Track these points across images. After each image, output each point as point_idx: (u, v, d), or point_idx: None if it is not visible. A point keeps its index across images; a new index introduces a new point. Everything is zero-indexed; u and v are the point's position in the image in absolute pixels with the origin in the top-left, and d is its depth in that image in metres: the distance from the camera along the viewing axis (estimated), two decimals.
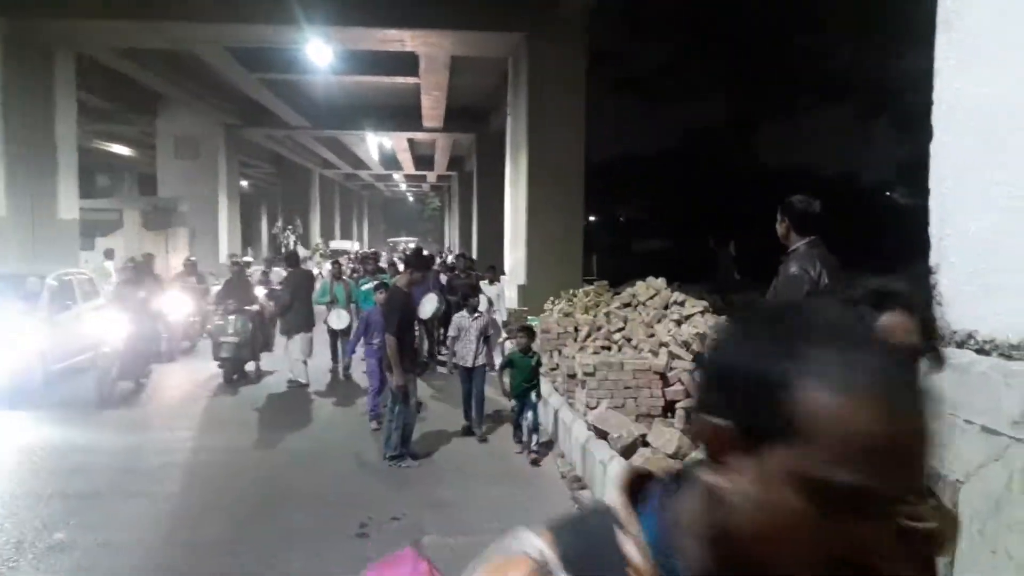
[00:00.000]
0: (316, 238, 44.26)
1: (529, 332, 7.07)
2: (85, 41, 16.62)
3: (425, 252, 10.20)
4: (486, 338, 7.74)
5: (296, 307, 10.05)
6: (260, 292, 11.46)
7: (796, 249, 3.74)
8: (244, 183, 39.36)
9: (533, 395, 6.80)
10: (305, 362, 10.08)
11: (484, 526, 5.03)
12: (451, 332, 7.69)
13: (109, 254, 19.79)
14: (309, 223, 44.83)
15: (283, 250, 34.32)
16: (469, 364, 7.48)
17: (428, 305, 9.39)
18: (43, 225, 15.66)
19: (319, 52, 17.05)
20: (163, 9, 14.75)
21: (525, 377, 6.81)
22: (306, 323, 10.10)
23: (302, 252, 36.75)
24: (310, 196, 46.05)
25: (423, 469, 6.41)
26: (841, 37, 35.56)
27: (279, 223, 39.40)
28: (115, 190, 35.96)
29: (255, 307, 10.49)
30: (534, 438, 6.73)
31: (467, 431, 7.48)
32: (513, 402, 7.01)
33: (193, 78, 22.39)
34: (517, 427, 6.99)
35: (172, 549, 4.82)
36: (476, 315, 7.62)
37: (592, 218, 32.30)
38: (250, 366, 10.46)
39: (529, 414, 6.77)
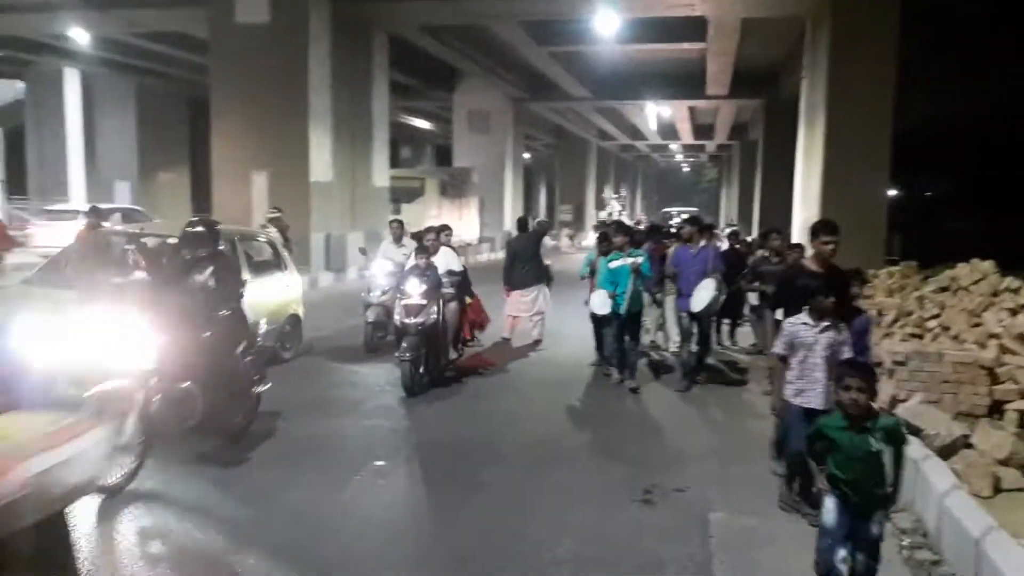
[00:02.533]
0: (591, 209, 45.16)
1: (868, 375, 3.44)
2: (394, 20, 18.32)
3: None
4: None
5: (518, 266, 10.03)
6: (414, 288, 7.38)
7: None
8: (526, 155, 41.30)
9: (874, 529, 3.32)
10: (541, 317, 10.01)
11: (775, 511, 4.73)
12: (778, 348, 4.52)
13: None
14: (585, 193, 45.76)
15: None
16: (820, 405, 4.27)
17: (703, 293, 7.39)
18: (360, 191, 17.77)
19: (607, 21, 17.15)
20: None
21: (865, 481, 3.29)
22: (528, 280, 9.95)
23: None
24: (586, 167, 46.93)
25: (709, 446, 6.18)
26: None
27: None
28: (416, 161, 39.67)
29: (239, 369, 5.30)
30: None
31: (797, 503, 4.61)
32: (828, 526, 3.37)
33: (486, 53, 23.77)
34: None
35: (452, 495, 4.97)
36: (821, 324, 4.36)
37: (892, 192, 29.09)
38: None
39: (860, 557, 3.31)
